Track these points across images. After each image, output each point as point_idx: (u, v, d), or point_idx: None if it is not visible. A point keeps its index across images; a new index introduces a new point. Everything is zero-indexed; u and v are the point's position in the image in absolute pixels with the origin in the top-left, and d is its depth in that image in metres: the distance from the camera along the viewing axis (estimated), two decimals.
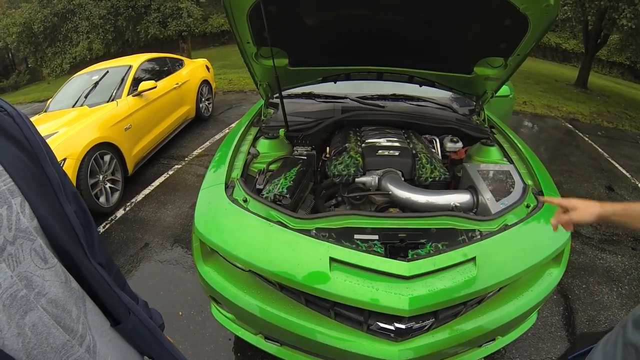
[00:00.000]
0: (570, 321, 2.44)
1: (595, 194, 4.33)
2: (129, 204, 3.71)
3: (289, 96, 2.73)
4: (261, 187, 1.80)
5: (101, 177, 3.47)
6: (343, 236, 1.44)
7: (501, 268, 1.42)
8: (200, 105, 5.86)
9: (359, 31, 1.99)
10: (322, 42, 2.11)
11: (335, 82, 2.48)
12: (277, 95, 2.28)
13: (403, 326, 1.31)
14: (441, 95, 2.83)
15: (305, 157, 2.06)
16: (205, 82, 6.10)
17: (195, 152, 4.90)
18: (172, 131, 5.04)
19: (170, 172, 4.35)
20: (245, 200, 1.62)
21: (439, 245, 1.42)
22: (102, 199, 3.45)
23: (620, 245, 3.34)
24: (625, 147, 6.38)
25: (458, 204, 1.74)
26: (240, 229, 1.53)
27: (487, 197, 1.73)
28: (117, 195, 3.67)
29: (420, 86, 2.52)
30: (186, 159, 4.73)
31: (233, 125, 5.68)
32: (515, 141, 2.28)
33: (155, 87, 4.37)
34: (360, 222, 1.50)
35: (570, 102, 9.28)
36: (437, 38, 2.03)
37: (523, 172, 2.01)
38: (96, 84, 4.40)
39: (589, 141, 6.36)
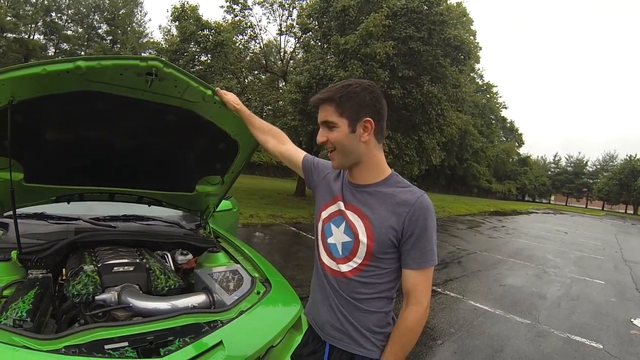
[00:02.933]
0: None
1: None
2: None
3: (19, 216, 2.39)
4: None
5: None
6: (94, 349, 1.41)
7: (247, 344, 1.62)
8: None
9: (96, 152, 2.10)
10: (60, 160, 2.10)
11: (68, 203, 2.42)
12: (7, 213, 2.16)
13: None
14: (169, 213, 3.05)
15: (41, 280, 1.90)
16: None
17: None
18: None
19: None
20: None
21: (187, 339, 1.51)
22: None
23: None
24: None
25: (196, 304, 1.85)
26: None
27: (220, 293, 1.91)
28: None
29: (149, 206, 2.68)
30: None
31: None
32: (239, 245, 2.63)
33: None
34: (107, 333, 1.49)
35: (292, 209, 11.20)
36: (163, 161, 2.30)
37: (249, 268, 2.31)
38: None
39: (312, 237, 7.84)
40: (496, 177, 47.51)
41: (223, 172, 2.48)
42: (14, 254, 1.97)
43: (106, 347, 1.43)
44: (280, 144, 1.60)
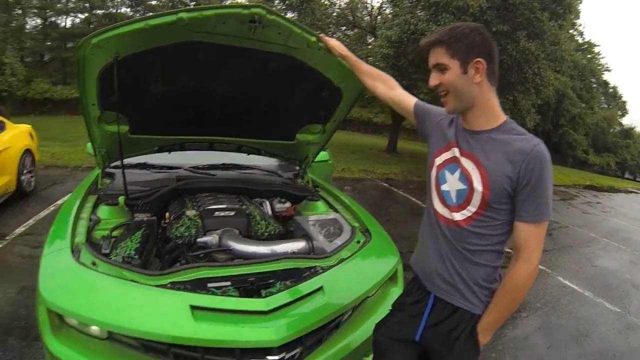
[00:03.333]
0: None
1: (415, 234, 5.20)
2: None
3: (124, 166, 2.68)
4: (107, 251, 1.74)
5: None
6: (197, 286, 1.50)
7: (346, 293, 1.67)
8: (22, 177, 4.96)
9: (197, 102, 2.18)
10: (163, 112, 2.22)
11: (169, 153, 2.57)
12: (114, 163, 2.37)
13: (276, 357, 1.37)
14: (267, 162, 3.15)
15: (146, 222, 2.09)
16: (28, 152, 5.20)
17: (18, 231, 4.07)
18: None
19: None
20: (94, 264, 1.56)
21: (287, 283, 1.58)
22: None
23: None
24: None
25: (296, 250, 1.93)
26: (95, 291, 1.46)
27: (320, 240, 1.98)
28: None
29: (248, 154, 2.79)
30: (7, 238, 3.87)
31: (59, 202, 5.06)
32: (339, 194, 2.67)
33: None
34: (211, 273, 1.59)
35: (384, 165, 11.10)
36: (264, 109, 2.34)
37: (349, 217, 2.36)
38: None
39: (404, 194, 7.70)
40: (594, 148, 42.03)
41: (325, 120, 2.48)
42: (121, 199, 2.17)
43: (209, 285, 1.53)
44: (391, 89, 1.57)
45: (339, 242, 1.99)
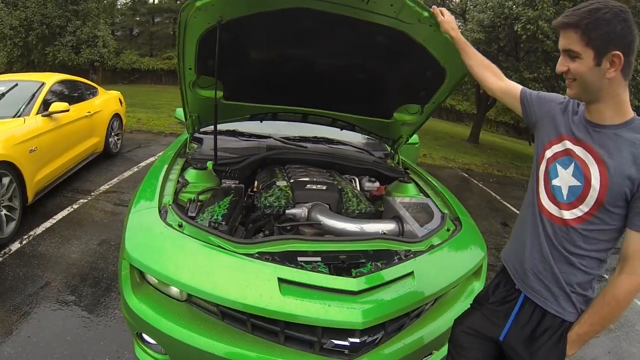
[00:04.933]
0: None
1: (493, 230, 4.95)
2: (26, 236, 3.25)
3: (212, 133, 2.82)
4: (194, 214, 1.77)
5: None
6: (286, 259, 1.47)
7: (435, 281, 1.61)
8: (110, 139, 5.55)
9: (295, 72, 2.14)
10: (259, 79, 2.20)
11: (261, 121, 2.58)
12: (203, 129, 2.35)
13: (357, 340, 1.34)
14: (357, 139, 3.09)
15: (234, 189, 2.10)
16: (116, 116, 5.81)
17: (102, 188, 4.53)
18: (79, 162, 4.63)
19: (75, 206, 3.96)
20: (180, 225, 1.58)
21: (378, 264, 1.53)
22: None
23: None
24: (514, 190, 7.45)
25: (386, 232, 1.90)
26: (179, 252, 1.47)
27: (412, 223, 1.93)
28: (13, 225, 3.20)
29: (341, 130, 2.74)
30: (92, 194, 4.35)
31: (142, 164, 5.52)
32: (429, 178, 2.60)
33: (67, 110, 4.02)
34: (301, 246, 1.55)
35: (465, 154, 10.54)
36: (365, 84, 2.28)
37: (439, 203, 2.28)
38: (2, 95, 3.93)
39: (483, 187, 7.30)
40: None
41: (424, 101, 2.38)
42: (209, 164, 2.19)
43: (299, 259, 1.48)
44: (500, 79, 1.45)
45: (429, 227, 1.93)
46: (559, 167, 1.15)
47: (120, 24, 23.19)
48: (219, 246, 1.48)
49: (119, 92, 6.31)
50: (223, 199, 1.85)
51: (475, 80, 1.59)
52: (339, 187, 2.11)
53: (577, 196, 1.09)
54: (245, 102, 2.33)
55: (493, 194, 6.89)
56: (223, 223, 1.65)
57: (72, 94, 4.81)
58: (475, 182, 7.69)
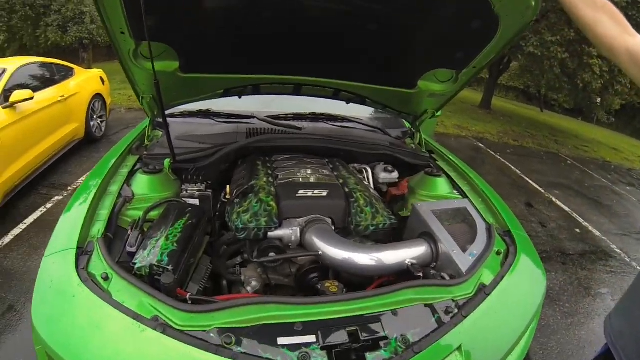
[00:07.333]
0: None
1: (517, 212, 4.39)
2: None
3: (181, 114, 2.15)
4: (133, 249, 1.18)
5: None
6: (260, 339, 0.93)
7: (490, 348, 1.07)
8: (92, 123, 4.99)
9: (279, 24, 1.46)
10: (226, 39, 1.55)
11: (240, 97, 1.91)
12: (170, 111, 1.78)
13: None
14: (366, 114, 2.46)
15: (197, 201, 1.52)
16: (98, 97, 5.21)
17: (81, 180, 3.99)
18: (55, 154, 4.12)
19: (49, 206, 3.44)
20: (106, 278, 1.04)
21: (408, 337, 0.98)
22: None
23: (550, 262, 3.38)
24: (533, 163, 6.85)
25: (414, 260, 1.30)
26: (95, 334, 0.93)
27: (450, 247, 1.33)
28: None
29: (348, 103, 2.09)
30: (69, 188, 3.82)
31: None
32: (463, 168, 1.98)
33: (32, 98, 3.53)
34: (283, 314, 0.99)
35: (478, 122, 10.00)
36: (382, 40, 1.60)
37: (481, 207, 1.67)
38: None
39: (501, 159, 6.70)
40: None
41: (462, 65, 1.71)
42: (166, 162, 1.58)
43: (281, 341, 0.93)
44: (627, 33, 0.89)
45: (475, 251, 1.35)
46: None
47: None
48: (155, 318, 0.94)
49: (101, 70, 5.74)
50: (174, 223, 1.25)
51: (582, 31, 0.96)
52: (346, 189, 1.51)
53: None
54: (212, 74, 1.68)
55: (512, 167, 6.30)
56: (170, 268, 1.08)
57: (43, 78, 4.32)
58: (492, 153, 7.12)
